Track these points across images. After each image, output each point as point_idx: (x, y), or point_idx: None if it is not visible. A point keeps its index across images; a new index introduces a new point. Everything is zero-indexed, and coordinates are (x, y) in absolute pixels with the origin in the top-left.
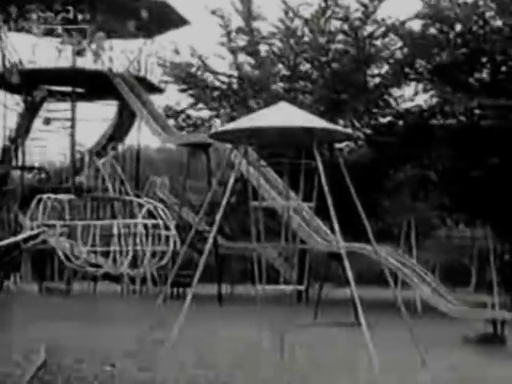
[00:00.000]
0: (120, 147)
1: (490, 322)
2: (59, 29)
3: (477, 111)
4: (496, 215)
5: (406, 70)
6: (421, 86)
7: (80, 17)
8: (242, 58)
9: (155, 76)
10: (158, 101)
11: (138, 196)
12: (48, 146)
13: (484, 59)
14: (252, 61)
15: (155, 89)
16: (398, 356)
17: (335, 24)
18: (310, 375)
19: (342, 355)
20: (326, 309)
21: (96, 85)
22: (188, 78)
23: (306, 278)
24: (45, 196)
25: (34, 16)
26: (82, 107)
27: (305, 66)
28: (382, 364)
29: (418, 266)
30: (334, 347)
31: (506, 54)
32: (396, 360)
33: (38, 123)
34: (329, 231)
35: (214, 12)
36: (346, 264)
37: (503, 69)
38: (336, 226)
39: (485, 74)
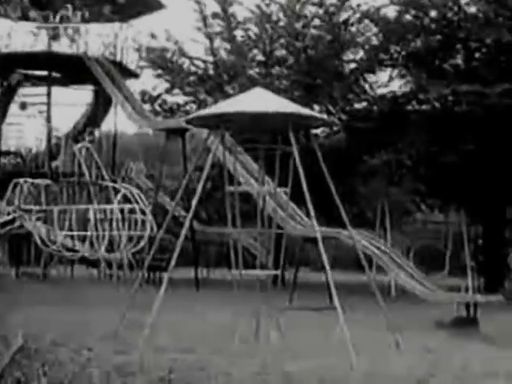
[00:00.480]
0: (96, 132)
1: (464, 305)
2: (35, 13)
3: (451, 97)
4: (470, 200)
5: (381, 55)
6: (396, 72)
7: (56, 1)
8: (218, 43)
9: (131, 61)
10: (134, 86)
11: (114, 181)
12: (24, 131)
13: (458, 46)
14: (228, 46)
15: (131, 73)
16: (373, 339)
17: (311, 9)
18: (286, 358)
19: (317, 339)
20: (302, 293)
21: (72, 69)
22: (164, 63)
23: (282, 262)
24: (21, 180)
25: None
26: (58, 92)
27: (280, 52)
28: (356, 347)
29: (393, 251)
30: (309, 331)
31: (481, 41)
32: (370, 343)
33: (13, 108)
34: (304, 216)
35: None
36: (322, 248)
37: (477, 55)
38: (311, 211)
39: (459, 61)
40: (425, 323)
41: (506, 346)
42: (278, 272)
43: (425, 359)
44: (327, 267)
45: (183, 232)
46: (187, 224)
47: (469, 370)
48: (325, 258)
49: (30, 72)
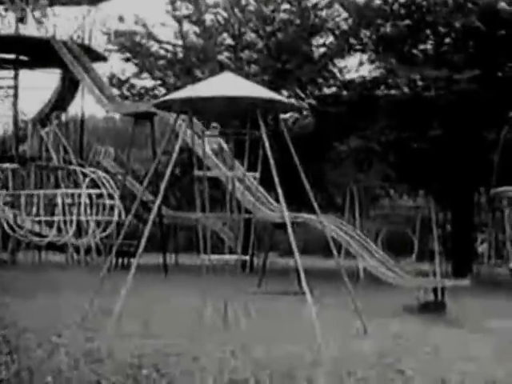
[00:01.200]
0: (64, 116)
1: (432, 290)
2: None
3: (420, 83)
4: (438, 186)
5: (351, 40)
6: (365, 57)
7: None
8: (187, 26)
9: (99, 44)
10: (102, 69)
11: (82, 165)
12: None
13: (428, 31)
14: (197, 30)
15: (99, 57)
16: (341, 324)
17: None
18: (254, 343)
19: (285, 324)
20: (271, 278)
21: (39, 52)
22: (132, 47)
23: (251, 247)
24: None
25: None
26: (25, 75)
27: (250, 36)
28: (324, 332)
29: (362, 236)
30: (277, 316)
31: (450, 26)
32: (339, 328)
33: None
34: (273, 201)
35: None
36: (291, 233)
37: (447, 41)
38: (281, 196)
39: (429, 46)
40: (393, 308)
41: (473, 329)
42: (247, 257)
43: (393, 344)
44: (296, 252)
45: (151, 217)
46: (155, 209)
47: (437, 354)
48: (294, 243)
49: None
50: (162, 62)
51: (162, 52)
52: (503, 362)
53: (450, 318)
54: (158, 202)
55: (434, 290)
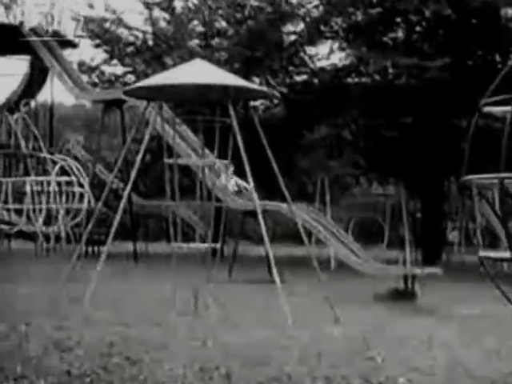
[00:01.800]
0: (33, 103)
1: (402, 278)
2: None
3: (391, 70)
4: (408, 174)
5: (322, 28)
6: (336, 45)
7: None
8: (157, 13)
9: (69, 31)
10: (72, 56)
11: (51, 153)
12: None
13: (399, 19)
14: (167, 16)
15: (69, 44)
16: (311, 312)
17: None
18: (225, 331)
19: (255, 312)
20: (241, 266)
21: (7, 39)
22: (102, 33)
23: (221, 235)
24: None
25: None
26: None
27: (220, 23)
28: (295, 320)
29: (332, 224)
30: (248, 304)
31: (421, 14)
32: (309, 316)
33: None
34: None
35: None
36: (261, 222)
37: (418, 29)
38: (251, 184)
39: (400, 34)
40: (363, 296)
41: (443, 317)
42: (218, 245)
43: (363, 331)
44: (266, 241)
45: (121, 205)
46: (125, 197)
47: (407, 341)
48: (264, 231)
49: None
50: (131, 48)
51: (132, 39)
52: (473, 348)
53: (419, 305)
54: (127, 189)
55: (404, 278)
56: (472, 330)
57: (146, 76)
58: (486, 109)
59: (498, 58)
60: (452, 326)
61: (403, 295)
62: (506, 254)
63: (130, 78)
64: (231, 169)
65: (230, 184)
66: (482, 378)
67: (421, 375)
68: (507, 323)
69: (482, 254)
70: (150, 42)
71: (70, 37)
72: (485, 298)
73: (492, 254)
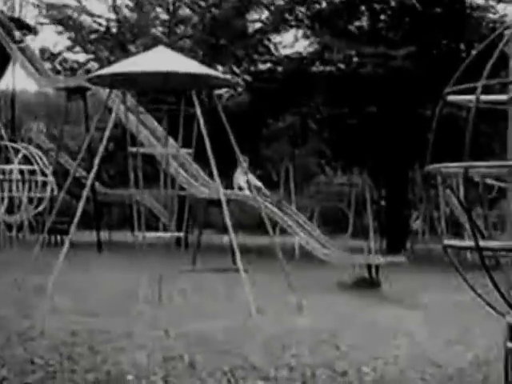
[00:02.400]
0: None
1: (366, 266)
2: None
3: (356, 59)
4: (373, 163)
5: (286, 16)
6: (301, 33)
7: None
8: (121, 0)
9: (30, 17)
10: (34, 43)
11: (13, 141)
12: None
13: (363, 7)
14: (130, 4)
15: (30, 30)
16: (276, 301)
17: None
18: (189, 320)
19: (220, 300)
20: (205, 255)
21: None
22: (65, 20)
23: (185, 224)
24: None
25: None
26: None
27: (184, 11)
28: (259, 309)
29: (297, 213)
30: (212, 293)
31: (385, 3)
32: (273, 305)
33: None
34: (208, 178)
35: None
36: (225, 210)
37: (382, 17)
38: (215, 173)
39: (364, 23)
40: (328, 285)
41: (407, 305)
42: (182, 234)
43: (328, 320)
44: (230, 229)
45: (85, 194)
46: (89, 185)
47: (372, 330)
48: (228, 220)
49: None
50: (94, 35)
51: (95, 26)
52: (437, 335)
53: (384, 294)
54: (91, 178)
55: (368, 267)
56: (436, 318)
57: (110, 63)
58: (451, 98)
59: (462, 46)
60: (416, 315)
61: (367, 284)
62: (470, 243)
63: (94, 65)
64: (245, 164)
65: (240, 179)
66: (446, 365)
67: (385, 364)
68: (470, 311)
69: (446, 242)
70: (114, 30)
71: (32, 23)
72: (449, 287)
73: (456, 242)
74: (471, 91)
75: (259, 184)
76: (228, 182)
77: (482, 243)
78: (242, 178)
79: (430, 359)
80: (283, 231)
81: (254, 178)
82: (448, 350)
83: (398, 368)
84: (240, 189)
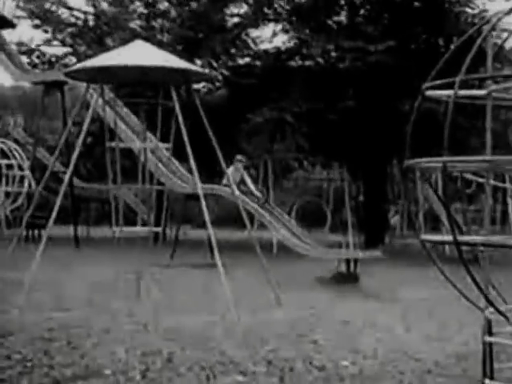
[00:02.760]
0: None
1: (344, 261)
2: None
3: (334, 53)
4: (351, 157)
5: (265, 10)
6: (279, 28)
7: None
8: None
9: (7, 10)
10: (11, 36)
11: None
12: None
13: (342, 2)
14: None
15: (7, 24)
16: (254, 296)
17: None
18: (166, 315)
19: (198, 295)
20: (183, 250)
21: None
22: (42, 14)
23: (163, 219)
24: None
25: None
26: None
27: (163, 4)
28: (237, 303)
29: (275, 208)
30: (190, 288)
31: None
32: (251, 300)
33: None
34: (186, 172)
35: None
36: (203, 205)
37: (361, 12)
38: (193, 168)
39: (343, 17)
40: (306, 280)
41: (385, 300)
42: (160, 229)
43: (306, 314)
44: (209, 224)
45: (62, 188)
46: (67, 180)
47: (349, 325)
48: (206, 214)
49: None
50: (72, 29)
51: (73, 19)
52: (415, 329)
53: (362, 288)
54: (69, 173)
55: (347, 261)
56: (414, 312)
57: (87, 57)
58: (429, 92)
59: (441, 41)
60: (394, 309)
61: (345, 278)
62: (448, 237)
63: (71, 59)
64: (240, 165)
65: (234, 176)
66: (424, 359)
67: (363, 358)
68: (448, 306)
69: (423, 237)
70: (92, 23)
71: (9, 16)
72: (427, 281)
73: (434, 237)
74: (450, 86)
75: (252, 187)
76: (209, 176)
77: (459, 238)
78: (235, 175)
79: (409, 353)
80: (262, 225)
81: (249, 179)
82: (426, 344)
83: (377, 362)
84: (226, 186)
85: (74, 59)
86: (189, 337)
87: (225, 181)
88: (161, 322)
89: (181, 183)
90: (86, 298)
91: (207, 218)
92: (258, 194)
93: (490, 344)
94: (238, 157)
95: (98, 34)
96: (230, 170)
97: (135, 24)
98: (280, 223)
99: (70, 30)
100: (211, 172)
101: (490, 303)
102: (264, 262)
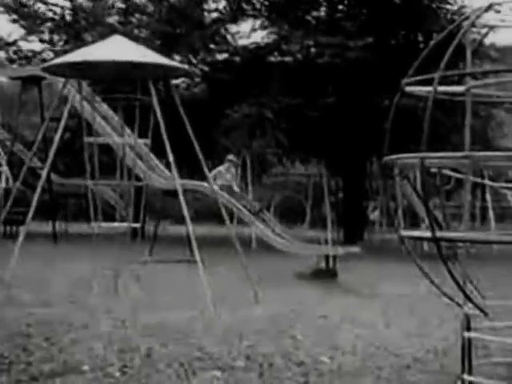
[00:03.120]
0: None
1: (323, 257)
2: None
3: (314, 49)
4: (330, 153)
5: (244, 5)
6: (258, 23)
7: None
8: None
9: None
10: None
11: None
12: None
13: None
14: None
15: None
16: (233, 292)
17: None
18: (145, 311)
19: (176, 291)
20: (162, 246)
21: None
22: (19, 8)
23: (142, 215)
24: None
25: None
26: None
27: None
28: (216, 300)
29: (254, 204)
30: (169, 283)
31: None
32: (231, 295)
33: None
34: (165, 168)
35: None
36: (182, 201)
37: (340, 7)
38: (172, 163)
39: (322, 12)
40: (285, 275)
41: (364, 295)
42: (138, 225)
43: (285, 310)
44: (188, 220)
45: (40, 184)
46: (44, 176)
47: (328, 320)
48: (185, 210)
49: None
50: (49, 24)
51: (50, 14)
52: (394, 325)
53: (341, 284)
54: (46, 168)
55: (326, 257)
56: (393, 308)
57: (65, 52)
58: (408, 88)
59: (420, 37)
60: (373, 305)
61: (324, 274)
62: (427, 234)
63: (49, 54)
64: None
65: (223, 176)
66: (403, 355)
67: (342, 354)
68: (428, 301)
69: (402, 233)
70: (69, 18)
71: None
72: (406, 277)
73: (413, 233)
74: (429, 82)
75: (236, 189)
76: (188, 172)
77: (438, 234)
78: (226, 175)
79: (388, 349)
80: (241, 221)
81: (234, 181)
82: (406, 340)
83: (356, 357)
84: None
85: (51, 54)
86: (168, 333)
87: (219, 181)
88: (139, 318)
89: (159, 179)
90: (64, 294)
91: (186, 213)
92: (237, 190)
93: (469, 340)
94: (229, 157)
95: (76, 28)
96: (220, 169)
97: (113, 19)
98: (259, 219)
99: (47, 24)
100: (190, 168)
101: (469, 299)
102: (243, 258)
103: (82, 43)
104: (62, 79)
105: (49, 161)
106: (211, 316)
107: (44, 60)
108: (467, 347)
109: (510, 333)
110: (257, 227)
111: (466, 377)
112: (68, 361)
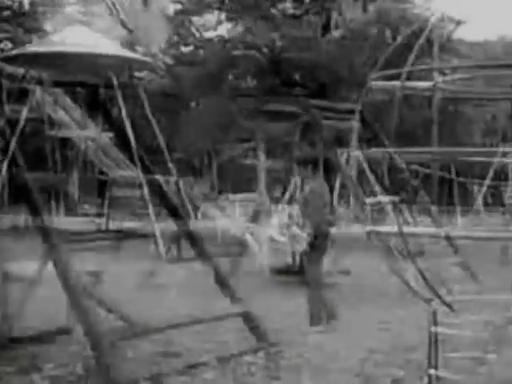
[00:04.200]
0: None
1: (290, 253)
2: None
3: (279, 43)
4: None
5: None
6: (224, 16)
7: None
8: None
9: None
10: None
11: None
12: None
13: None
14: None
15: None
16: (200, 287)
17: None
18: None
19: (144, 288)
20: (127, 241)
21: None
22: None
23: (107, 210)
24: None
25: None
26: None
27: None
28: (185, 296)
29: (219, 197)
30: (135, 280)
31: None
32: (197, 292)
33: None
34: (129, 162)
35: None
36: (147, 196)
37: (307, 0)
38: (136, 157)
39: (288, 5)
40: (246, 271)
41: None
42: (102, 220)
43: (252, 307)
44: (152, 215)
45: (0, 178)
46: (5, 170)
47: (295, 316)
48: (150, 205)
49: None
50: (8, 13)
51: (8, 2)
52: (362, 320)
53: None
54: (6, 161)
55: (292, 253)
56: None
57: (24, 42)
58: (375, 83)
59: (388, 33)
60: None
61: (290, 271)
62: (394, 229)
63: (7, 44)
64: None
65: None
66: (372, 350)
67: (309, 349)
68: (395, 297)
69: (369, 228)
70: (27, 7)
71: None
72: (373, 273)
73: (380, 228)
74: (397, 77)
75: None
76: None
77: (405, 229)
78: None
79: (356, 344)
80: (205, 216)
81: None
82: (374, 335)
83: (324, 352)
84: None
85: (10, 45)
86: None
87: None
88: (108, 314)
89: (123, 172)
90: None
91: (151, 208)
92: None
93: (436, 334)
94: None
95: (35, 18)
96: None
97: (73, 9)
98: (224, 213)
99: (5, 13)
100: (154, 162)
101: (436, 294)
102: (209, 252)
103: (42, 33)
104: (22, 70)
105: (9, 154)
106: (181, 312)
107: (2, 50)
108: (434, 342)
109: (476, 327)
110: (223, 221)
111: (432, 371)
112: None
